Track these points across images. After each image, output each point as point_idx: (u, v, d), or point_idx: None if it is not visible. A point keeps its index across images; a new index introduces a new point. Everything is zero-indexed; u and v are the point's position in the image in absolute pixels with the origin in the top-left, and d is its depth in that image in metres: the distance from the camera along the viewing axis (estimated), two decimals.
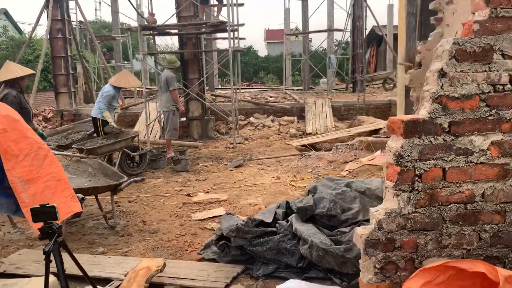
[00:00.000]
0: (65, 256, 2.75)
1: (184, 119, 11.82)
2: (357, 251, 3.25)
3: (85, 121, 12.68)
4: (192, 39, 11.46)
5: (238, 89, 16.64)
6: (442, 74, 2.02)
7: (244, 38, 17.89)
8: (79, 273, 3.01)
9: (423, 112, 2.05)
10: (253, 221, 3.91)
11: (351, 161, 7.58)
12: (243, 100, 13.84)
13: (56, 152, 6.48)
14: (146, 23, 10.64)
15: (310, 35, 21.95)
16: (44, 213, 2.61)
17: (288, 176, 7.42)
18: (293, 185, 6.76)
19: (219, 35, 18.41)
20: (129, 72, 8.90)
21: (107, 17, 38.75)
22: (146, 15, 11.45)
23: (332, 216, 3.85)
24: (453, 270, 1.93)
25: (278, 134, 11.99)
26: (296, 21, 21.53)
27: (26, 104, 5.72)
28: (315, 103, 13.39)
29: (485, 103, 2.07)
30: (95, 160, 5.75)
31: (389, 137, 2.19)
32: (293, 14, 30.43)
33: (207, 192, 6.67)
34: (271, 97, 14.59)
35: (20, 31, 28.10)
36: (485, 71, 2.05)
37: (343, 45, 19.91)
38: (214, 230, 5.06)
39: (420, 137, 2.05)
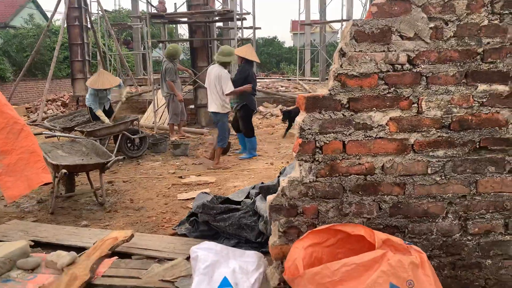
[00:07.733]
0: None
1: (192, 106, 12.10)
2: None
3: None
4: (201, 27, 11.67)
5: None
6: (342, 53, 2.17)
7: (259, 28, 17.90)
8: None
9: (325, 89, 2.20)
10: (218, 199, 4.13)
11: None
12: None
13: (58, 134, 6.85)
14: (155, 11, 10.94)
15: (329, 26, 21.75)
16: None
17: (282, 163, 7.58)
18: None
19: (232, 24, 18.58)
20: (106, 72, 8.95)
21: (129, 5, 39.21)
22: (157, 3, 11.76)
23: None
24: (342, 234, 2.09)
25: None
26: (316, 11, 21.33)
27: None
28: None
29: (383, 81, 2.20)
30: (89, 140, 6.06)
31: None
32: (314, 3, 30.19)
33: (199, 175, 6.91)
34: (282, 86, 14.72)
35: (47, 19, 28.86)
36: (384, 51, 2.18)
37: None
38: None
39: (321, 112, 2.21)
